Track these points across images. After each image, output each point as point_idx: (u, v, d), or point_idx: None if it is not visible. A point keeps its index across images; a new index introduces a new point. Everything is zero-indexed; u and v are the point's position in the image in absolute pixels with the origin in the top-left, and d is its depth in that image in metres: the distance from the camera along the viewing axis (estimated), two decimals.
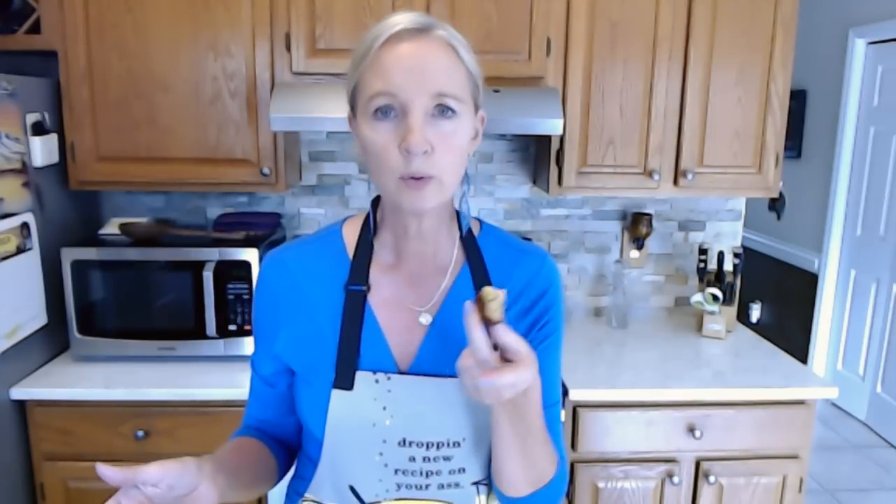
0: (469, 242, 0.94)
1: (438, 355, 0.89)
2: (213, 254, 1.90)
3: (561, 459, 0.89)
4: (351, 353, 0.87)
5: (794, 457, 1.91)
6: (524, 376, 0.70)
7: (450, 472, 0.89)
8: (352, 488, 0.89)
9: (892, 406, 3.57)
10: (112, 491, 0.70)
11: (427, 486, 0.88)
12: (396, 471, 0.87)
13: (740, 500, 1.91)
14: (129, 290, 1.93)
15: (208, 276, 1.88)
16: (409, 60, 0.79)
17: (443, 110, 0.80)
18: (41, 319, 1.89)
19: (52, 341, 1.96)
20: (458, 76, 0.82)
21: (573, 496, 1.87)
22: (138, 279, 1.93)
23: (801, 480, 1.92)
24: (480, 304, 0.71)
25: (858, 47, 3.67)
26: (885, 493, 3.11)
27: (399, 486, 0.88)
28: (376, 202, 0.94)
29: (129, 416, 1.80)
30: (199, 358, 1.96)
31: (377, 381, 0.86)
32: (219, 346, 1.94)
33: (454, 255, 0.93)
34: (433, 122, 0.79)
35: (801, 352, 4.13)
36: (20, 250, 1.78)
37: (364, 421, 0.86)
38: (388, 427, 0.86)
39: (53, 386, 1.81)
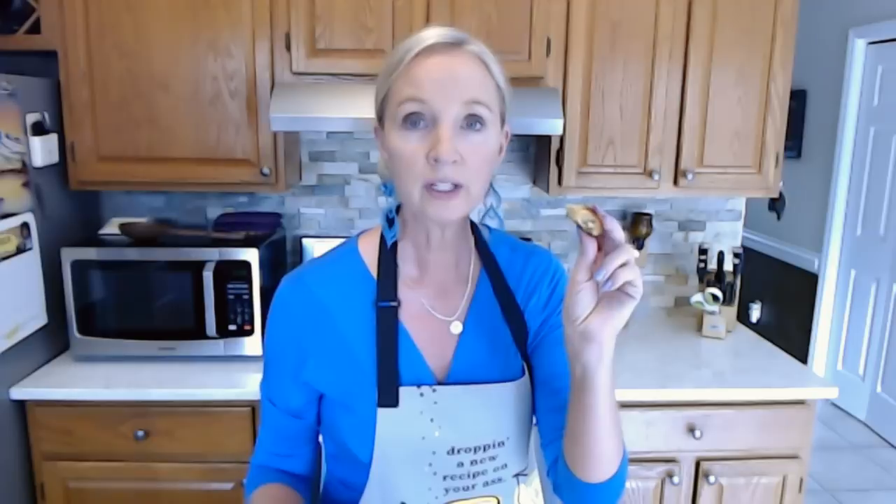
0: (483, 249, 0.97)
1: (472, 361, 0.92)
2: (213, 254, 1.90)
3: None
4: (391, 370, 0.87)
5: (794, 457, 1.91)
6: (633, 252, 0.72)
7: (494, 470, 0.91)
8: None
9: (892, 406, 3.57)
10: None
11: (473, 486, 0.90)
12: (445, 477, 0.89)
13: (740, 500, 1.91)
14: (129, 290, 1.93)
15: (208, 276, 1.88)
16: (440, 71, 0.80)
17: (472, 122, 0.81)
18: (41, 319, 1.89)
19: (52, 341, 1.96)
20: (489, 88, 0.84)
21: None
22: (138, 279, 1.93)
23: (801, 480, 1.92)
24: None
25: (858, 47, 3.66)
26: (885, 493, 3.11)
27: (447, 491, 0.89)
28: (391, 216, 0.93)
29: (129, 416, 1.80)
30: (199, 358, 1.96)
31: (422, 395, 0.88)
32: (219, 346, 1.94)
33: (472, 262, 0.96)
34: (462, 133, 0.81)
35: (801, 352, 4.13)
36: (20, 250, 1.78)
37: (413, 436, 0.87)
38: (437, 438, 0.88)
39: (53, 386, 1.81)
